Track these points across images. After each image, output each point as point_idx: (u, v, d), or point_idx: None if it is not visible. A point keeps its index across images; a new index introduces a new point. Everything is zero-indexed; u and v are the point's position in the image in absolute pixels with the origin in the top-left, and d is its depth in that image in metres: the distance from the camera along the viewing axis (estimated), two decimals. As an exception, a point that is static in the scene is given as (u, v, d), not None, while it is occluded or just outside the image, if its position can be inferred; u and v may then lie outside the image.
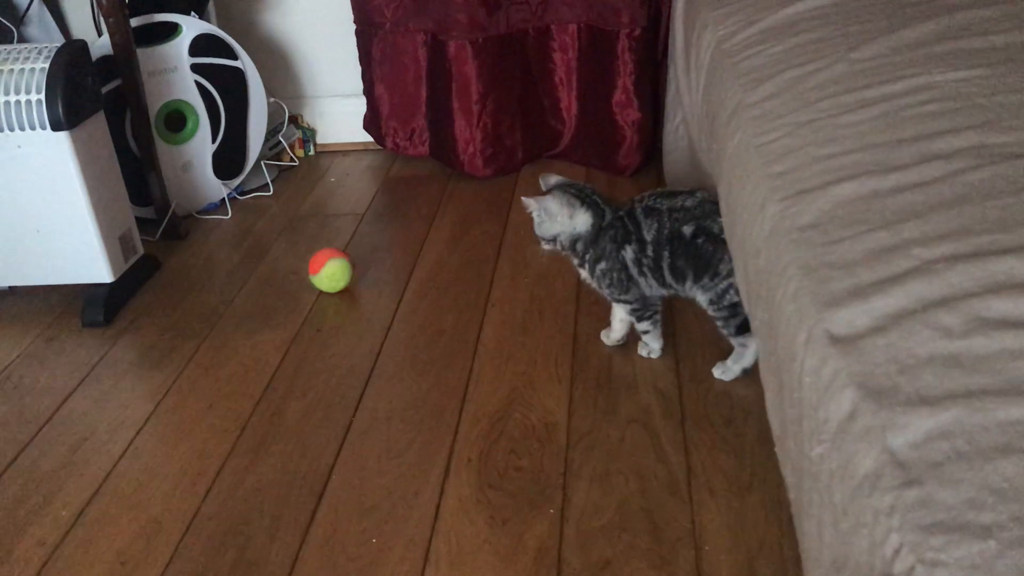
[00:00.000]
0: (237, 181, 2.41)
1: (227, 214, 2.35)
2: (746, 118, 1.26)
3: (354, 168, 2.61)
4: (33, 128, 1.74)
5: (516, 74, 2.37)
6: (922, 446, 0.65)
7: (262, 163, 2.49)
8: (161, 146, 2.22)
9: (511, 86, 2.37)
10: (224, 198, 2.38)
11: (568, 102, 2.44)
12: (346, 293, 1.94)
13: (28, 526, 1.38)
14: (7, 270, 1.90)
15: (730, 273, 1.41)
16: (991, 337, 0.72)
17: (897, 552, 0.60)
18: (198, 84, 2.25)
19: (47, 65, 1.73)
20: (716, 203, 1.40)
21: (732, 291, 1.42)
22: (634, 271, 1.48)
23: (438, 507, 1.36)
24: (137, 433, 1.56)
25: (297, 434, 1.53)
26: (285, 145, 2.60)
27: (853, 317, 0.79)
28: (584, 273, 1.57)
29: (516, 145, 2.43)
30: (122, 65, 2.06)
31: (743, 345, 1.47)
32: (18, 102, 1.73)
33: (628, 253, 1.47)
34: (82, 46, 1.80)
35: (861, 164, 1.01)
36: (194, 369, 1.73)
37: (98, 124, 1.85)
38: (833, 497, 0.72)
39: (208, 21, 2.30)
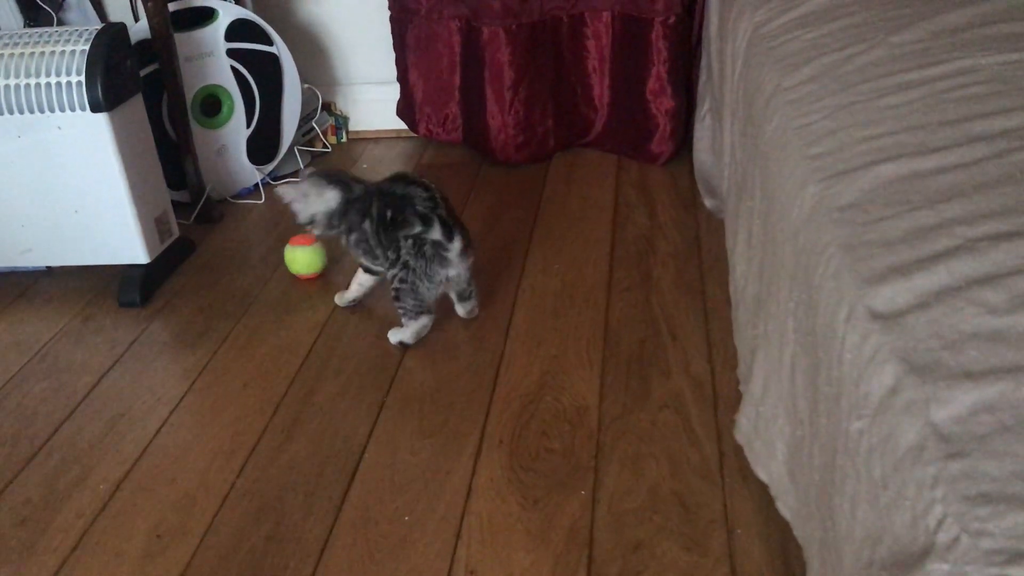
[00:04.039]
0: (271, 166, 2.43)
1: (261, 199, 2.37)
2: (784, 101, 1.25)
3: (386, 155, 2.62)
4: (72, 109, 1.76)
5: (549, 61, 2.37)
6: (966, 419, 0.65)
7: (295, 149, 2.51)
8: (196, 130, 2.24)
9: (544, 73, 2.37)
10: (258, 183, 2.40)
11: (601, 90, 2.43)
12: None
13: (66, 498, 1.40)
14: (45, 250, 1.93)
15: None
16: (1036, 314, 0.72)
17: (941, 523, 0.60)
18: (234, 69, 2.27)
19: (87, 47, 1.75)
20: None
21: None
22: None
23: (470, 486, 1.36)
24: (172, 411, 1.58)
25: (330, 413, 1.54)
26: (318, 131, 2.62)
27: (895, 294, 0.78)
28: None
29: (548, 132, 2.43)
30: (159, 49, 2.08)
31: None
32: (58, 84, 1.75)
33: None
34: (121, 29, 1.82)
35: (902, 145, 1.00)
36: (229, 349, 1.74)
37: (136, 106, 1.88)
38: (872, 472, 0.72)
39: (244, 7, 2.32)
